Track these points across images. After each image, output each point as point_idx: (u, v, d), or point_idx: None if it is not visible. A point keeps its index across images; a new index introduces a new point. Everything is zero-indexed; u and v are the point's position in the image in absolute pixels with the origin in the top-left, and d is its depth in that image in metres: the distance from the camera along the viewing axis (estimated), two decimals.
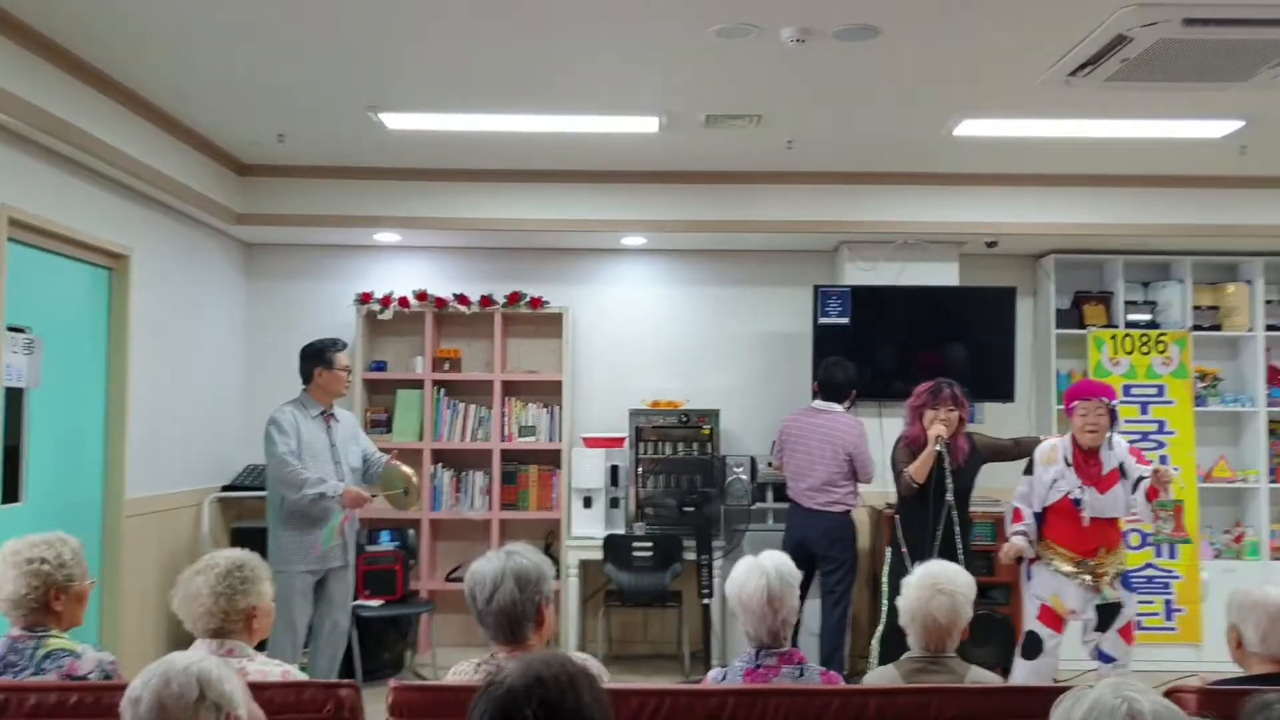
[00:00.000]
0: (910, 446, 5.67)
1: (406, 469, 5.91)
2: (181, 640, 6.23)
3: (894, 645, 3.60)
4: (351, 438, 5.86)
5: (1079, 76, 4.90)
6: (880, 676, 3.44)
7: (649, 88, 5.30)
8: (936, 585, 3.37)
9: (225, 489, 7.09)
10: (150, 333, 6.16)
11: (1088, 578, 5.29)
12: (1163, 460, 7.21)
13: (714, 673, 3.36)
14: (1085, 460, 5.34)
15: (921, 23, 4.43)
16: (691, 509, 6.59)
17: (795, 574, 3.33)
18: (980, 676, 3.38)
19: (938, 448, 5.47)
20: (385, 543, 6.90)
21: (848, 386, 6.53)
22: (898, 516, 5.84)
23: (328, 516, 5.57)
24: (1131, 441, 7.03)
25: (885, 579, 5.77)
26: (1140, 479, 5.32)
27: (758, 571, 3.27)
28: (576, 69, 5.01)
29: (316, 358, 5.76)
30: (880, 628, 5.71)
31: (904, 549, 5.59)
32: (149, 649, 6.12)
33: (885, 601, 5.66)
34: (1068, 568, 5.32)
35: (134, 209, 6.01)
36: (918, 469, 5.54)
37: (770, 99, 5.48)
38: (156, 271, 6.24)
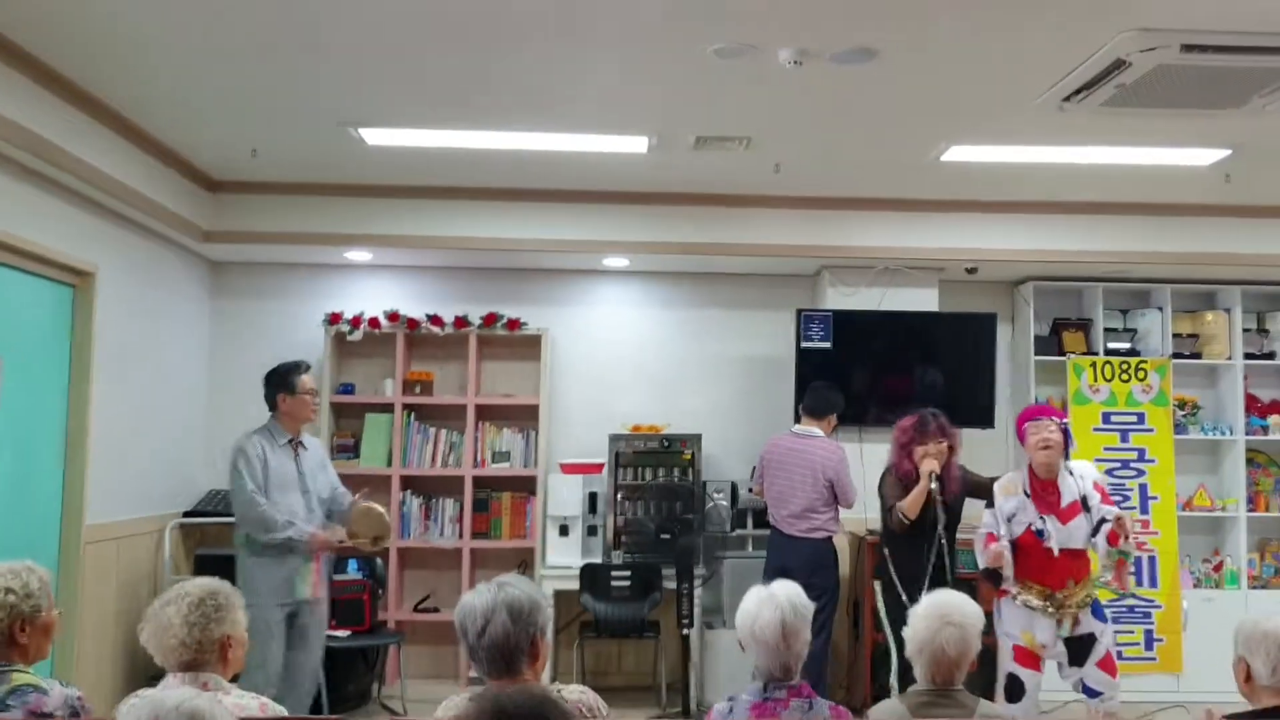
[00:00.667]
0: (902, 480, 5.59)
1: (379, 509, 5.70)
2: (140, 673, 6.08)
3: (909, 680, 3.50)
4: (320, 466, 5.67)
5: (1073, 101, 4.87)
6: (887, 710, 3.32)
7: (641, 107, 5.21)
8: (946, 617, 3.27)
9: (188, 514, 6.88)
10: (113, 353, 5.97)
11: (1054, 610, 5.21)
12: (1142, 490, 7.20)
13: (720, 706, 3.24)
14: (1043, 489, 5.28)
15: (920, 46, 4.37)
16: (671, 536, 6.46)
17: (808, 605, 3.21)
18: (990, 710, 3.30)
19: (932, 485, 5.41)
20: (353, 572, 6.72)
21: (831, 411, 6.46)
22: (886, 550, 5.73)
23: (299, 550, 5.40)
24: (1110, 470, 7.05)
25: (884, 615, 5.67)
26: (1104, 520, 5.25)
27: (771, 604, 3.15)
28: (569, 86, 4.91)
29: (279, 383, 5.57)
30: (894, 664, 5.55)
31: (898, 584, 5.49)
32: (107, 682, 5.91)
33: (891, 638, 5.57)
34: (1036, 601, 5.24)
35: (99, 225, 5.83)
36: (910, 505, 5.46)
37: (762, 122, 5.41)
38: (121, 290, 6.06)
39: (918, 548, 5.53)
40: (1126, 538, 5.13)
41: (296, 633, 5.46)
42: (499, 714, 1.87)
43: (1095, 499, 5.29)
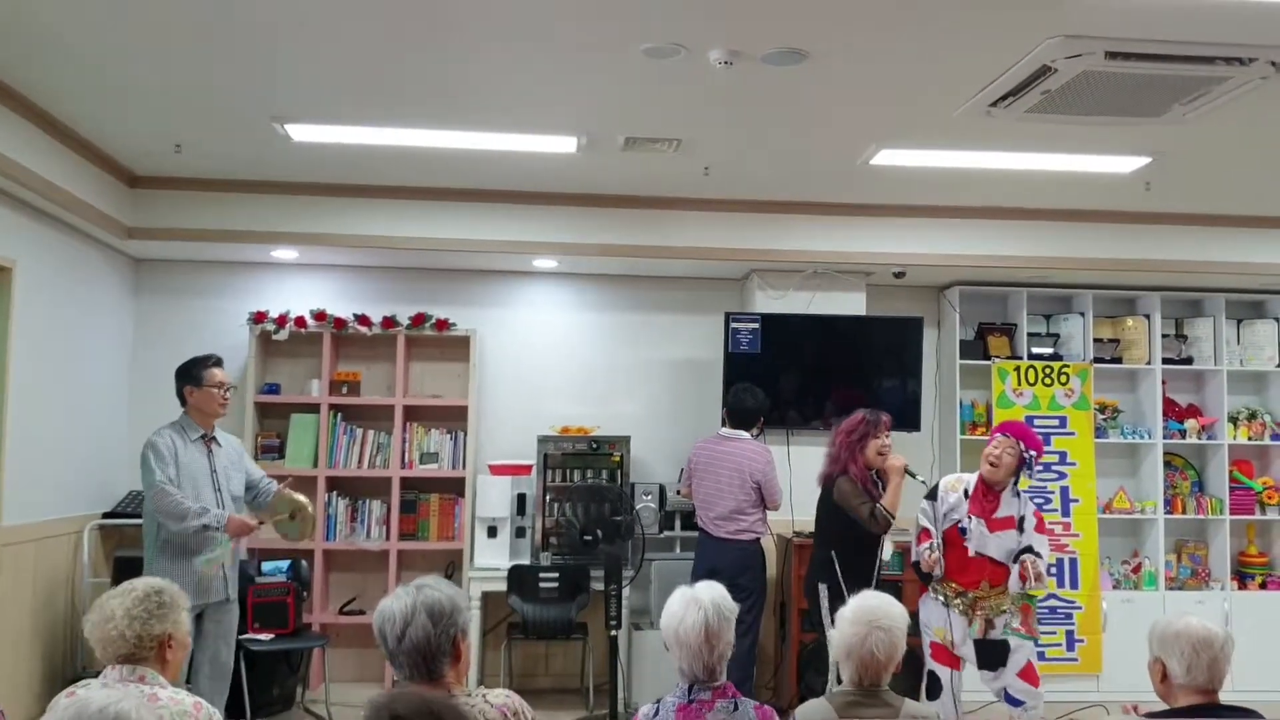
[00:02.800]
0: (864, 484, 5.59)
1: (300, 497, 5.66)
2: (59, 677, 5.92)
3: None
4: (235, 464, 5.58)
5: (1000, 107, 4.93)
6: (813, 710, 3.34)
7: (570, 107, 5.18)
8: (875, 621, 3.30)
9: (107, 516, 6.72)
10: (30, 349, 5.82)
11: (965, 609, 5.30)
12: (1064, 493, 7.31)
13: (645, 708, 3.23)
14: (984, 493, 5.37)
15: (850, 49, 4.39)
16: (599, 538, 6.43)
17: (733, 607, 3.22)
18: (915, 710, 3.32)
19: (914, 475, 5.57)
20: (276, 574, 6.60)
21: (756, 414, 6.48)
22: (834, 553, 5.69)
23: (209, 545, 5.30)
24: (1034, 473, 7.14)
25: (828, 617, 5.67)
26: (1027, 550, 5.36)
27: (695, 606, 3.14)
28: (497, 84, 4.87)
29: (184, 376, 5.48)
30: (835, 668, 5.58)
31: (845, 587, 5.46)
32: (24, 688, 5.77)
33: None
34: (950, 598, 5.33)
35: (17, 219, 5.68)
36: (893, 503, 5.51)
37: (692, 123, 5.41)
38: (39, 285, 5.91)
39: (871, 551, 5.62)
40: (1035, 579, 5.24)
41: (203, 633, 5.35)
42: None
43: (1032, 523, 5.39)
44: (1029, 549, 5.34)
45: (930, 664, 5.42)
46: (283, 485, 5.67)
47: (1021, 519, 5.38)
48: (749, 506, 6.28)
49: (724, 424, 6.57)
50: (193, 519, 5.18)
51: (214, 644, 5.41)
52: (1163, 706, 3.30)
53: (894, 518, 5.51)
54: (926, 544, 5.36)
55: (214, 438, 5.49)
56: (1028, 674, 5.34)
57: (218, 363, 5.54)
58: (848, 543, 5.62)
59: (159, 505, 5.20)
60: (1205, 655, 3.20)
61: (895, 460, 5.57)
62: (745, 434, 6.43)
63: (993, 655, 5.33)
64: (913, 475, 5.58)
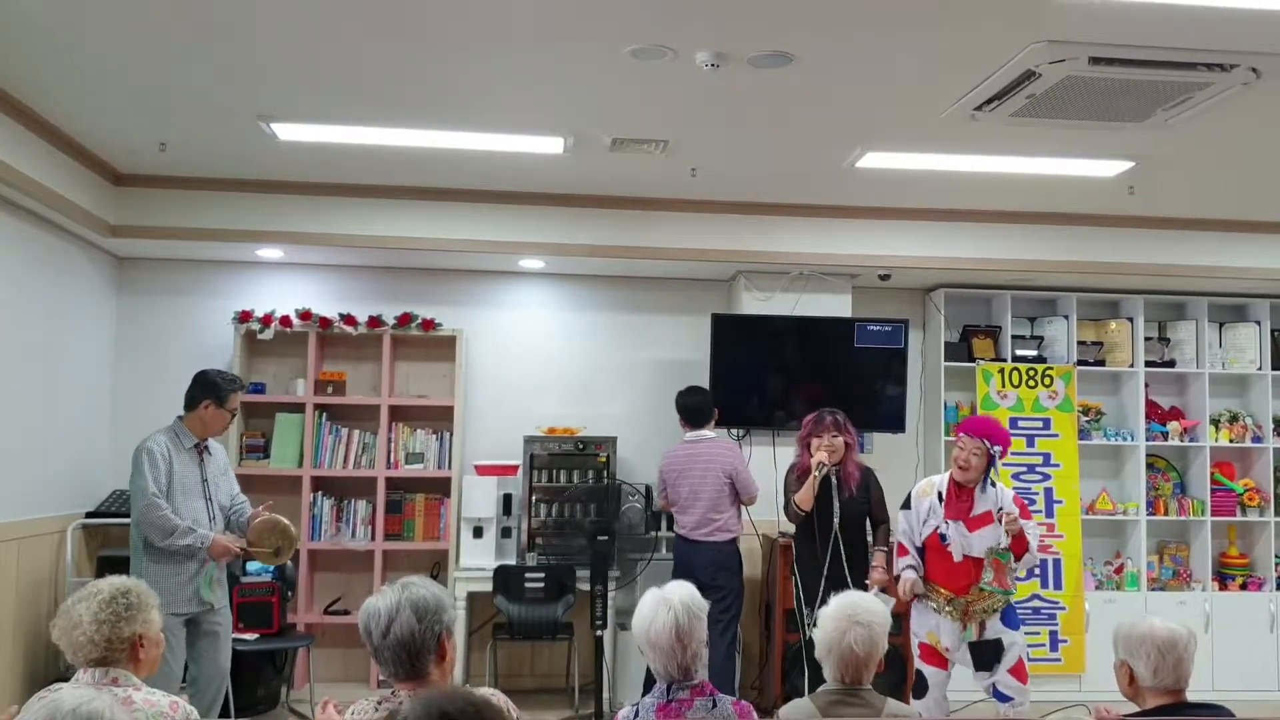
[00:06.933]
0: (801, 477, 5.77)
1: (284, 521, 5.57)
2: (41, 677, 5.90)
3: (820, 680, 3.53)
4: (222, 473, 5.56)
5: (985, 111, 4.96)
6: (796, 709, 3.36)
7: (557, 108, 5.19)
8: (854, 617, 3.32)
9: (91, 515, 6.70)
10: (11, 348, 5.81)
11: (957, 616, 5.31)
12: (1048, 494, 7.35)
13: (625, 710, 3.24)
14: (957, 494, 5.37)
15: (835, 52, 4.41)
16: (610, 538, 6.45)
17: (702, 605, 3.21)
18: (897, 709, 3.34)
19: (819, 474, 5.64)
20: (261, 574, 6.59)
21: (709, 409, 6.55)
22: (795, 545, 5.88)
23: (197, 555, 5.27)
24: (1016, 474, 7.19)
25: (796, 609, 5.78)
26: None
27: (664, 607, 3.14)
28: (485, 84, 4.87)
29: (211, 388, 5.40)
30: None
31: (800, 579, 5.61)
32: (5, 687, 5.74)
33: (800, 631, 5.80)
34: (939, 604, 5.34)
35: None
36: (803, 498, 5.68)
37: (678, 125, 5.42)
38: (20, 283, 5.90)
39: (813, 542, 5.74)
40: (1009, 522, 5.25)
41: (203, 640, 5.34)
42: (439, 717, 1.86)
43: (1015, 512, 5.39)
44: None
45: (918, 664, 5.45)
46: (262, 508, 5.58)
47: (1000, 510, 5.39)
48: (725, 504, 6.32)
49: (683, 428, 6.57)
50: (178, 537, 5.14)
51: (211, 647, 5.38)
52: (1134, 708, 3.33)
53: (802, 511, 5.71)
54: (905, 560, 5.42)
55: (206, 446, 5.47)
56: (1018, 671, 5.37)
57: (242, 388, 5.61)
58: (799, 536, 5.89)
59: (146, 517, 5.16)
60: (1171, 656, 3.23)
61: (815, 457, 5.71)
62: (709, 433, 6.49)
63: (988, 656, 5.34)
64: (818, 474, 5.67)
